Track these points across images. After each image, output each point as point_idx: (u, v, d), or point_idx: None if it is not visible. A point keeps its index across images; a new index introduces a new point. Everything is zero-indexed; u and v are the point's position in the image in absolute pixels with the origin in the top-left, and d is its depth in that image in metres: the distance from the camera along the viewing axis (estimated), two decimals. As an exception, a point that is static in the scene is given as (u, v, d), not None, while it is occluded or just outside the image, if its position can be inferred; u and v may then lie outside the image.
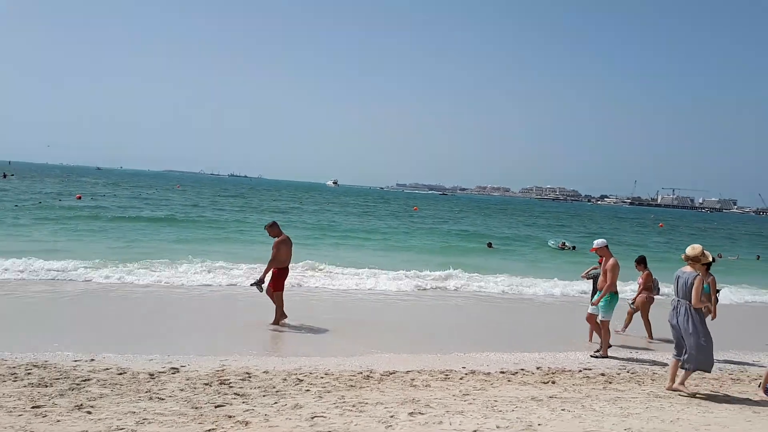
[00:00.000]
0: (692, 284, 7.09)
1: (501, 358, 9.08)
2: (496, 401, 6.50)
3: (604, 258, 9.57)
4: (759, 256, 34.90)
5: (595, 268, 10.97)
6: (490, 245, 29.76)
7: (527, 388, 7.27)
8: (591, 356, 9.46)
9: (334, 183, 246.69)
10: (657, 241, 44.37)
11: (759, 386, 7.62)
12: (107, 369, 7.06)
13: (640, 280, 11.29)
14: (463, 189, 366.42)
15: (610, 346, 9.62)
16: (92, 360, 7.47)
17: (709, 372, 7.53)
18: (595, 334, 10.54)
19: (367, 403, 6.19)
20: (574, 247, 31.29)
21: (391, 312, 12.77)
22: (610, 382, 7.81)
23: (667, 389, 7.35)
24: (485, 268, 19.05)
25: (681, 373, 7.31)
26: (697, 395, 7.21)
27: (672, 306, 7.38)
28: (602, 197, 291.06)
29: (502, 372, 8.12)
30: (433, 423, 5.56)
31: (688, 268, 7.26)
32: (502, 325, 12.22)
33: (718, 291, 9.94)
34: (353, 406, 6.09)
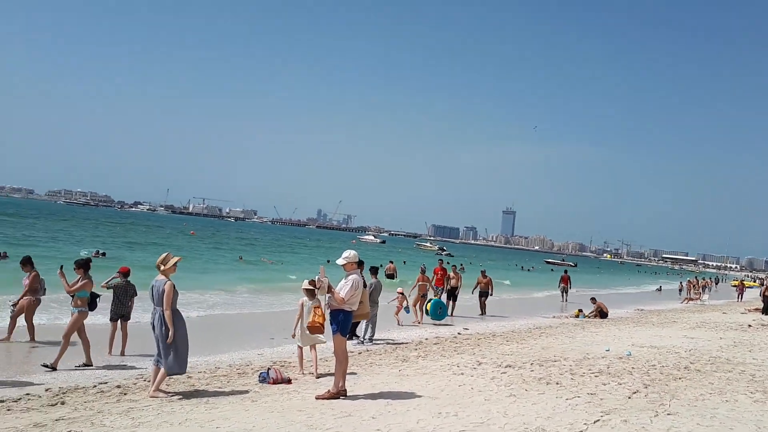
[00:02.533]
0: (163, 291, 7.60)
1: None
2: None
3: None
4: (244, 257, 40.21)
5: (116, 277, 10.75)
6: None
7: (30, 414, 6.58)
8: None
9: None
10: (180, 245, 46.25)
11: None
12: None
13: (26, 281, 10.99)
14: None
15: None
16: None
17: (181, 374, 7.96)
18: (116, 345, 10.33)
19: None
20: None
21: None
22: (125, 393, 7.74)
23: (150, 396, 7.57)
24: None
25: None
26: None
27: (151, 313, 7.79)
28: (136, 203, 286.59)
29: (1, 401, 7.13)
30: None
31: (161, 276, 7.77)
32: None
33: None
34: None
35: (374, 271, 14.07)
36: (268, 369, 8.86)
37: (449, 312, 18.85)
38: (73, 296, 9.27)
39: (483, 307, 20.66)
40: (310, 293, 9.12)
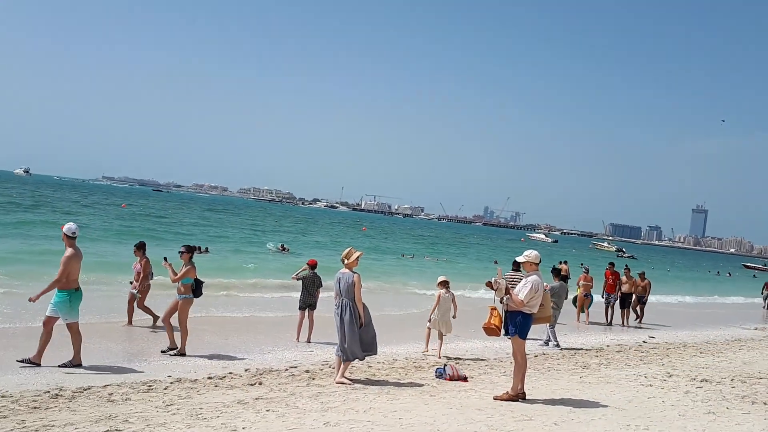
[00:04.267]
0: (353, 283, 7.97)
1: (209, 363, 8.95)
2: (201, 408, 6.38)
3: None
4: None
5: (304, 270, 11.53)
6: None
7: (234, 392, 7.29)
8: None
9: (25, 172, 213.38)
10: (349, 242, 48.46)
11: (435, 374, 8.86)
12: None
13: (138, 266, 11.19)
14: (179, 186, 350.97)
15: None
16: None
17: (361, 359, 8.25)
18: (303, 332, 11.10)
19: (53, 426, 5.54)
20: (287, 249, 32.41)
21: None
22: (314, 378, 8.27)
23: (336, 382, 7.94)
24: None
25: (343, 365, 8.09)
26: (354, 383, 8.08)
27: (335, 304, 8.16)
28: (315, 200, 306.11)
29: (210, 378, 8.00)
30: (131, 439, 5.22)
31: (346, 270, 8.12)
32: (209, 328, 12.00)
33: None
34: (36, 430, 5.39)
35: (557, 273, 13.63)
36: (445, 365, 8.95)
37: (625, 321, 17.09)
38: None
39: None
40: (444, 285, 10.61)
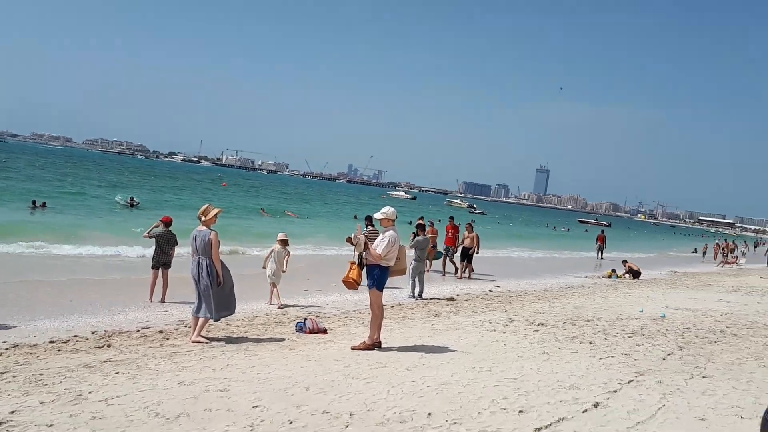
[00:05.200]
0: (210, 241, 7.81)
1: (52, 326, 8.35)
2: (41, 375, 5.95)
3: None
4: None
5: (157, 226, 11.01)
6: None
7: (80, 356, 6.88)
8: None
9: None
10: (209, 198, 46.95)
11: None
12: None
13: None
14: (15, 135, 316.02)
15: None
16: None
17: (214, 319, 8.09)
18: (157, 293, 10.65)
19: None
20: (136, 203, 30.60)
21: None
22: (168, 339, 8.01)
23: (192, 341, 7.81)
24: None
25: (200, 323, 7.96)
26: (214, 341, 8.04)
27: (192, 262, 7.97)
28: (171, 153, 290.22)
29: (52, 342, 7.47)
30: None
31: (202, 227, 7.95)
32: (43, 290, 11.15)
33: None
34: None
35: (422, 227, 14.29)
36: (305, 319, 9.06)
37: (463, 273, 17.70)
38: None
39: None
40: (282, 242, 11.38)
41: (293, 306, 11.16)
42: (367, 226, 13.91)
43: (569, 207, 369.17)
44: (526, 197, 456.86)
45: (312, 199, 72.50)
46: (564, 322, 10.26)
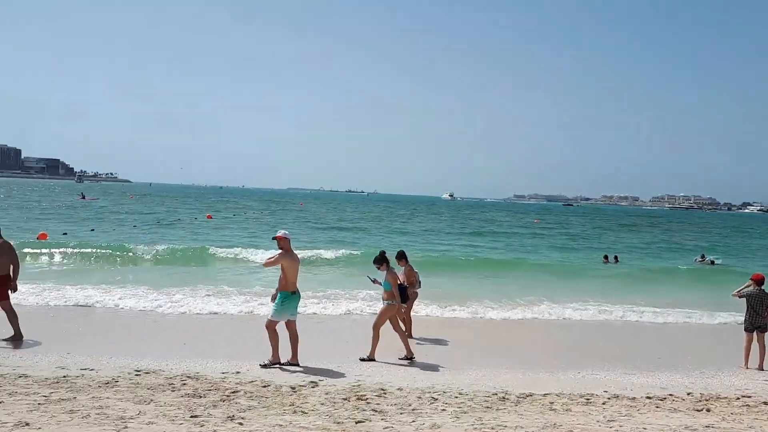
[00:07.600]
0: None
1: (645, 381, 8.54)
2: (645, 429, 6.09)
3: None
4: None
5: (748, 286, 10.06)
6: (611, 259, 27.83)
7: (678, 416, 6.75)
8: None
9: (450, 196, 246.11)
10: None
11: None
12: (252, 381, 7.43)
13: (401, 276, 10.51)
14: (587, 199, 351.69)
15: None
16: (238, 372, 7.89)
17: None
18: (752, 358, 9.67)
19: (506, 427, 6.04)
20: (712, 262, 28.80)
21: (501, 332, 12.44)
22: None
23: None
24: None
25: None
26: None
27: None
28: (744, 204, 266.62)
29: (649, 397, 7.60)
30: (580, 451, 5.30)
31: None
32: (646, 349, 11.46)
33: None
34: (492, 428, 5.97)
35: None
36: None
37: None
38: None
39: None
40: None
41: None
42: None
43: None
44: None
45: None
46: None
